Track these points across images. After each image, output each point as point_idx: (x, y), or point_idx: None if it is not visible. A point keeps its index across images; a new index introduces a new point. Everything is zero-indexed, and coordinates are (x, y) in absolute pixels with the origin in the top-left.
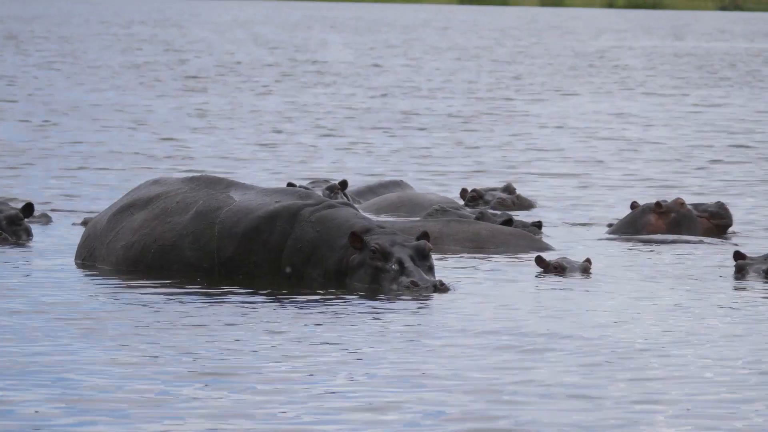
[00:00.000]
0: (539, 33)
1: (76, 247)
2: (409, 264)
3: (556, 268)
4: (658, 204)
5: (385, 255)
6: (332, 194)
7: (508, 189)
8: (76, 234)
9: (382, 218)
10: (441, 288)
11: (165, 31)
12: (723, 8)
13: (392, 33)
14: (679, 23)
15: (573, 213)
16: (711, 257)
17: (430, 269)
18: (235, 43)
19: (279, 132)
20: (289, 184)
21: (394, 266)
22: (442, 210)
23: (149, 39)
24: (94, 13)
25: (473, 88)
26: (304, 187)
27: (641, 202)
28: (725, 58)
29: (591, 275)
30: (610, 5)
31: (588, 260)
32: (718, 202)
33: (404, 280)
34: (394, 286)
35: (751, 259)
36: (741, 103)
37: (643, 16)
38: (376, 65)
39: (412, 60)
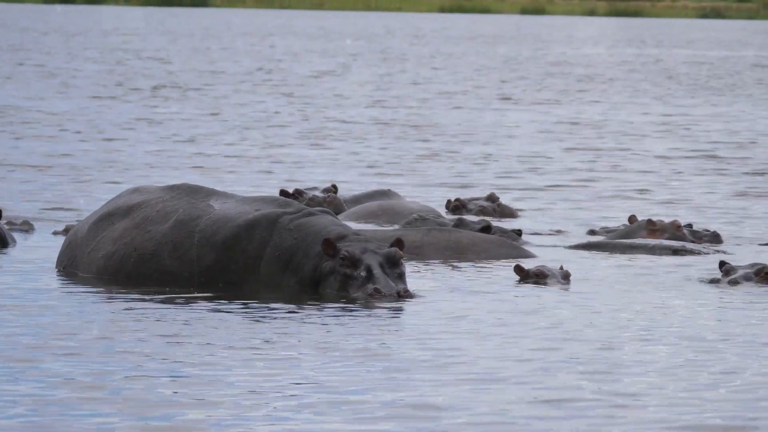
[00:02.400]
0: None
1: (57, 254)
2: (377, 271)
3: (537, 276)
4: (650, 222)
5: (354, 262)
6: (327, 196)
7: (491, 198)
8: (58, 242)
9: (364, 227)
10: (404, 295)
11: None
12: (704, 16)
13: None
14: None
15: (554, 221)
16: (694, 264)
17: (400, 276)
18: (215, 52)
19: (267, 141)
20: (282, 192)
21: (363, 273)
22: (421, 218)
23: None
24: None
25: (457, 97)
26: (297, 191)
27: (633, 214)
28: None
29: (570, 282)
30: (592, 13)
31: (561, 267)
32: (714, 231)
33: (369, 287)
34: (359, 293)
35: (739, 266)
36: (730, 112)
37: (627, 24)
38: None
39: (405, 69)
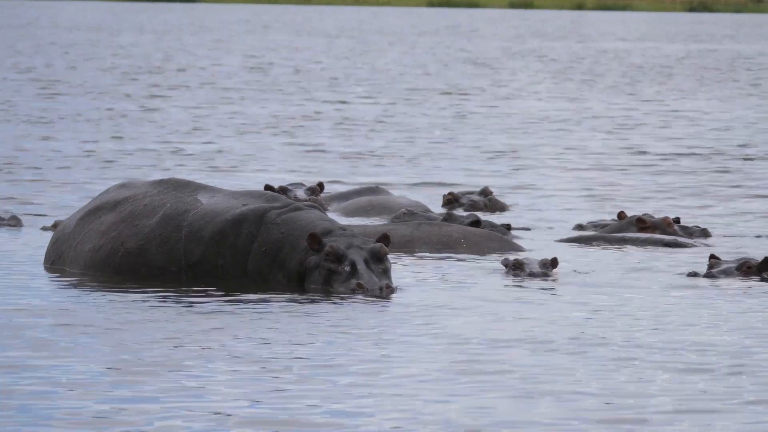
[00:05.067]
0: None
1: (45, 250)
2: (360, 266)
3: (515, 267)
4: (639, 219)
5: (338, 257)
6: (312, 195)
7: (485, 192)
8: (46, 238)
9: (353, 222)
10: (387, 290)
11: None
12: (692, 9)
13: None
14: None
15: (545, 217)
16: (684, 258)
17: (385, 272)
18: (205, 48)
19: (256, 137)
20: (267, 187)
21: (347, 268)
22: (410, 213)
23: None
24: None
25: (454, 88)
26: (282, 188)
27: (621, 210)
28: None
29: (551, 271)
30: (580, 7)
31: (548, 260)
32: (705, 229)
33: (352, 282)
34: (342, 288)
35: (725, 261)
36: (726, 109)
37: (618, 18)
38: (356, 67)
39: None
